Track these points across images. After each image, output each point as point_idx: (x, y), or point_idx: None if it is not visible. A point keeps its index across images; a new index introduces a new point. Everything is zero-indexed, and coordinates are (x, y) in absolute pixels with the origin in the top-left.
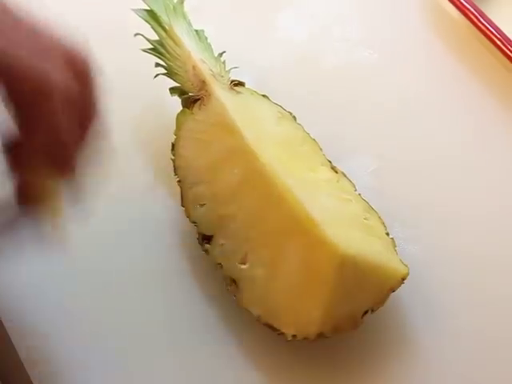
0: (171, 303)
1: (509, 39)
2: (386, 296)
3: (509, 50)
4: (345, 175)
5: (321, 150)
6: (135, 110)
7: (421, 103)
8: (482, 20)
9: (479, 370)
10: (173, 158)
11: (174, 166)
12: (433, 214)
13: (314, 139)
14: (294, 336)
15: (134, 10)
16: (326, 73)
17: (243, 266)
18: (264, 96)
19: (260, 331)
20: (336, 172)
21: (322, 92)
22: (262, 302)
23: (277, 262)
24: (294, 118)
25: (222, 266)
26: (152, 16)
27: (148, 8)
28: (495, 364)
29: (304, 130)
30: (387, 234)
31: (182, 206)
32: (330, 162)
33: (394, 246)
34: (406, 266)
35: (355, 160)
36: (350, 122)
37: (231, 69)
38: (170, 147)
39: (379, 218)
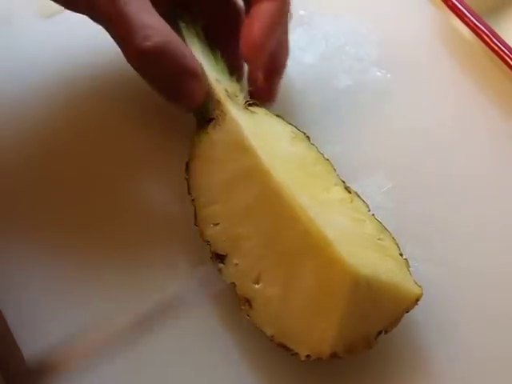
0: (183, 322)
1: None
2: (400, 317)
3: None
4: (358, 195)
5: (334, 170)
6: (149, 128)
7: (434, 123)
8: (495, 41)
9: None
10: (187, 177)
11: (188, 185)
12: (446, 234)
13: (327, 159)
14: (307, 356)
15: None
16: (339, 92)
17: (257, 286)
18: (278, 116)
19: (273, 351)
20: (349, 192)
21: (334, 111)
22: (275, 321)
23: (291, 282)
24: (308, 137)
25: (235, 286)
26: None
27: None
28: None
29: (317, 150)
30: (401, 254)
31: (196, 225)
32: (343, 182)
33: (408, 266)
34: (420, 286)
35: (368, 180)
36: (363, 142)
37: (246, 89)
38: (185, 166)
39: (393, 238)
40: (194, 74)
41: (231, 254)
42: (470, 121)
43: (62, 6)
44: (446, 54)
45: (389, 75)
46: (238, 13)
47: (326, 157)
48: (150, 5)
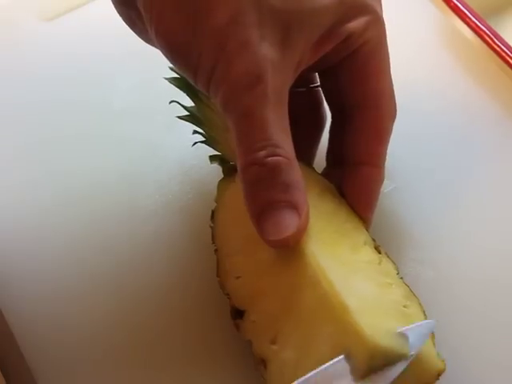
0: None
1: None
2: None
3: None
4: (388, 256)
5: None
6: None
7: (436, 125)
8: (496, 40)
9: None
10: (212, 225)
11: (213, 234)
12: (447, 236)
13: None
14: None
15: (166, 78)
16: None
17: (273, 347)
18: (308, 166)
19: None
20: (379, 252)
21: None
22: None
23: (307, 347)
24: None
25: (251, 344)
26: (186, 84)
27: (179, 76)
28: None
29: (347, 205)
30: None
31: (217, 276)
32: (374, 240)
33: (433, 337)
34: (443, 361)
35: None
36: None
37: None
38: (210, 215)
39: (419, 304)
40: (297, 208)
41: (249, 311)
42: (472, 121)
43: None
44: (447, 54)
45: None
46: (322, 121)
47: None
48: (286, 113)
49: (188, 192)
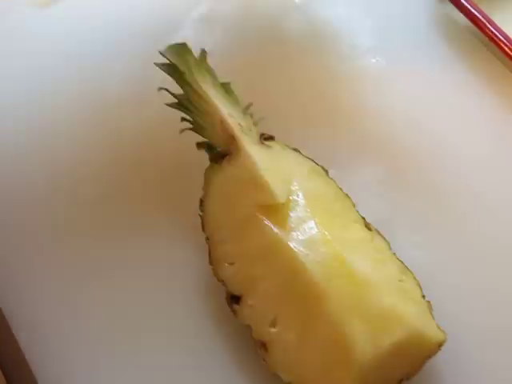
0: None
1: None
2: (423, 363)
3: None
4: (379, 233)
5: (354, 205)
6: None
7: (427, 110)
8: (491, 28)
9: None
10: (201, 214)
11: (202, 223)
12: (442, 220)
13: (346, 194)
14: None
15: (156, 64)
16: (332, 78)
17: (273, 330)
18: (295, 150)
19: None
20: (370, 230)
21: (327, 97)
22: (292, 368)
23: (308, 327)
24: (327, 172)
25: (251, 328)
26: (175, 70)
27: (170, 62)
28: None
29: (337, 186)
30: (423, 296)
31: (210, 264)
32: (363, 218)
33: (431, 309)
34: (443, 331)
35: (363, 166)
36: (357, 129)
37: (259, 120)
38: (199, 203)
39: (414, 278)
40: None
41: (246, 296)
42: (465, 106)
43: None
44: (440, 40)
45: (383, 62)
46: None
47: (345, 192)
48: None
49: (180, 178)
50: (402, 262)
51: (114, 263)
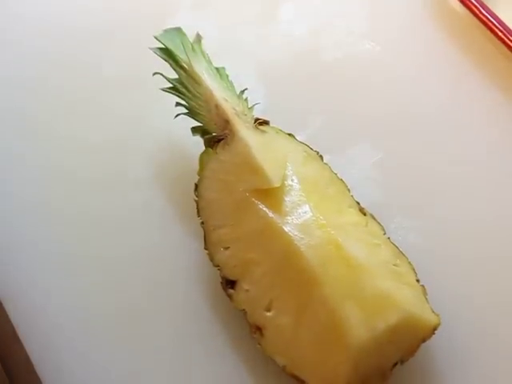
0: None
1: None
2: (417, 347)
3: (511, 41)
4: (373, 217)
5: (349, 190)
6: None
7: (422, 95)
8: (484, 12)
9: None
10: (196, 199)
11: (198, 208)
12: (435, 204)
13: (341, 179)
14: None
15: (151, 48)
16: (328, 65)
17: (268, 314)
18: (290, 135)
19: (285, 381)
20: (364, 214)
21: (322, 84)
22: (287, 351)
23: (303, 311)
24: (321, 157)
25: (246, 313)
26: (170, 55)
27: (165, 46)
28: None
29: (331, 170)
30: (418, 280)
31: (205, 248)
32: (358, 203)
33: (425, 293)
34: (438, 315)
35: (357, 151)
36: (352, 114)
37: (254, 105)
38: (194, 188)
39: (409, 263)
40: None
41: (241, 280)
42: (458, 91)
43: None
44: (435, 26)
45: (378, 48)
46: None
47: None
48: None
49: (176, 163)
50: (396, 247)
51: (110, 251)
